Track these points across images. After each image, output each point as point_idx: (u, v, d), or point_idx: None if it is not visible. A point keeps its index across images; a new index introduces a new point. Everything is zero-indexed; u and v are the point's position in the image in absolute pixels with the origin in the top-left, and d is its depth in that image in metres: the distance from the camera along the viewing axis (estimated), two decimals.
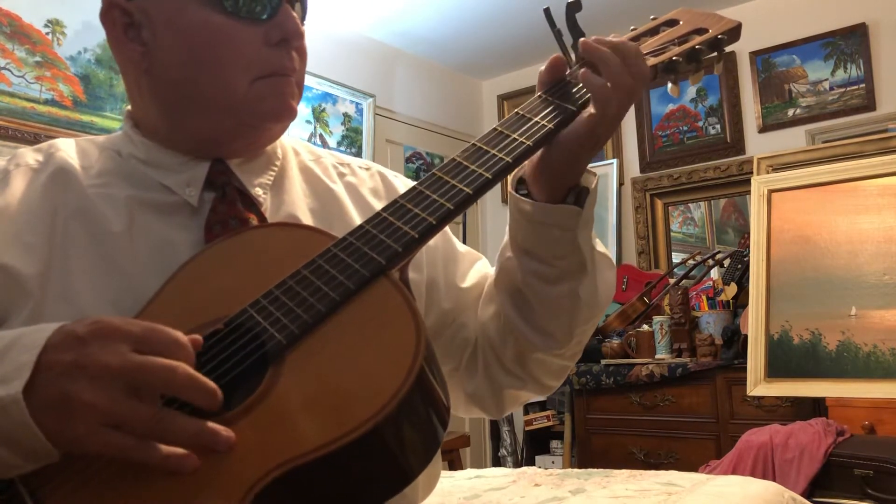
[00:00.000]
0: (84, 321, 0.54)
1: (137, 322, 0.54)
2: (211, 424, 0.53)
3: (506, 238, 0.78)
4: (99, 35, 2.47)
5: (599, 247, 0.79)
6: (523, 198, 0.73)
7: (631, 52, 0.70)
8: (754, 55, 3.36)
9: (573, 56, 0.74)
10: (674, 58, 0.75)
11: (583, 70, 0.70)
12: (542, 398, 3.44)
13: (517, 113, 0.72)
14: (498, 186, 4.51)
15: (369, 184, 0.87)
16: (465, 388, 0.85)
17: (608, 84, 0.68)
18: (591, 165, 0.74)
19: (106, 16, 0.76)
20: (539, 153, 0.72)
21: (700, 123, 3.53)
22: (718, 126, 3.47)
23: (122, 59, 0.77)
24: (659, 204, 3.63)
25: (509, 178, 0.76)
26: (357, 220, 0.80)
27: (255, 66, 0.73)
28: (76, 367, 0.51)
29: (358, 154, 3.43)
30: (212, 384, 0.53)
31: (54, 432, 0.51)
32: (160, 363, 0.52)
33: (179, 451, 0.52)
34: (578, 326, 0.78)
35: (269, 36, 0.74)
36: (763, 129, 3.34)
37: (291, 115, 0.77)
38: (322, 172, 0.85)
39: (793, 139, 3.24)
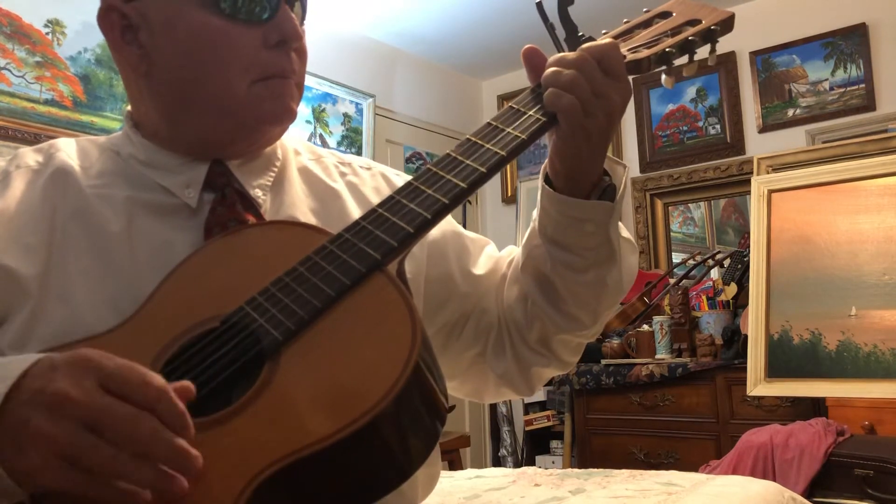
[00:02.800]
0: (68, 351, 0.52)
1: (114, 358, 0.51)
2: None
3: (533, 224, 0.79)
4: (99, 35, 2.44)
5: (624, 232, 0.80)
6: (555, 192, 0.73)
7: (587, 66, 0.68)
8: (754, 55, 3.35)
9: (567, 50, 0.74)
10: (667, 49, 0.75)
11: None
12: (542, 398, 3.45)
13: (511, 107, 0.72)
14: (498, 185, 4.46)
15: (371, 183, 0.87)
16: (494, 369, 0.86)
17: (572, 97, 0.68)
18: None
19: (104, 19, 0.75)
20: (549, 150, 0.72)
21: (700, 123, 3.52)
22: (718, 126, 3.46)
23: (121, 62, 0.77)
24: (659, 204, 3.63)
25: (541, 171, 0.77)
26: None
27: (254, 68, 0.73)
28: (39, 393, 0.49)
29: (358, 154, 3.43)
30: (176, 443, 0.48)
31: (11, 464, 0.49)
32: (123, 411, 0.48)
33: (135, 489, 0.48)
34: (604, 311, 0.81)
35: (268, 37, 0.73)
36: (763, 129, 3.34)
37: (291, 117, 0.77)
38: (323, 172, 0.85)
39: (793, 139, 3.23)
